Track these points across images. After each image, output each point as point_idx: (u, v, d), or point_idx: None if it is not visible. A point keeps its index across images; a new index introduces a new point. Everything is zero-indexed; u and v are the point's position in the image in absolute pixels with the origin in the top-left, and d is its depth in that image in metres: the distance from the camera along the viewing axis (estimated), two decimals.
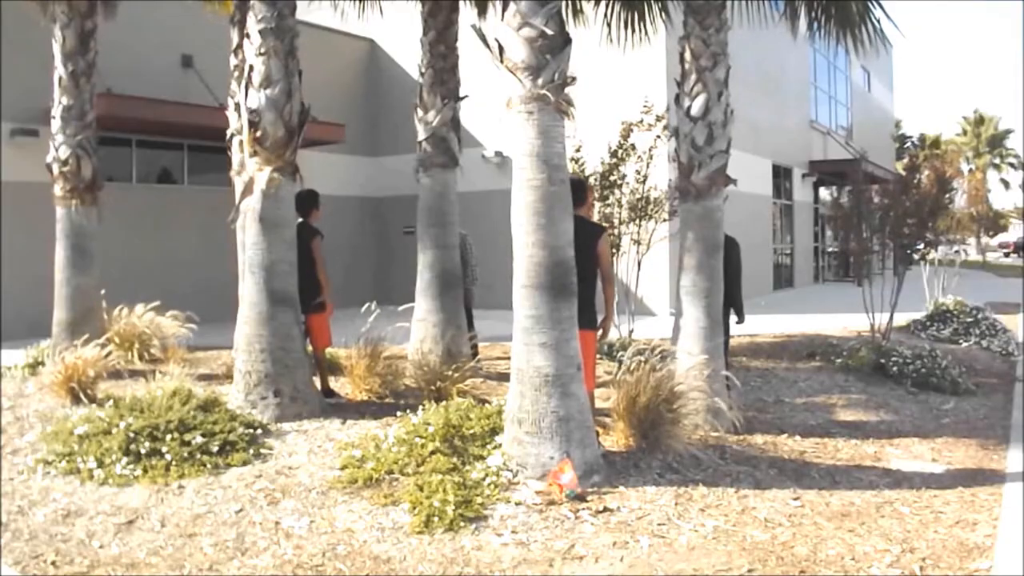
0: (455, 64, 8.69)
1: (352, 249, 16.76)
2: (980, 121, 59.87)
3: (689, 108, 6.70)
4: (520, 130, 5.23)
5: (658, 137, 9.52)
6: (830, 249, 25.47)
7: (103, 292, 9.05)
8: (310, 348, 7.48)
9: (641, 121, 9.50)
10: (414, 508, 4.68)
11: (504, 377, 6.84)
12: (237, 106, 7.60)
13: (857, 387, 8.27)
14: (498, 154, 15.92)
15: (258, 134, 6.80)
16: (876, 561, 4.17)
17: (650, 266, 10.42)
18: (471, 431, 5.72)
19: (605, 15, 8.54)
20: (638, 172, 9.55)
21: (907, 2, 33.42)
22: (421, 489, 4.85)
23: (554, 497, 4.86)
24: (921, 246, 10.25)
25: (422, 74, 8.66)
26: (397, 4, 9.57)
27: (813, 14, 7.52)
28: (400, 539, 4.42)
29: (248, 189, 6.94)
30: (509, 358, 5.56)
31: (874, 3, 7.34)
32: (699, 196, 6.67)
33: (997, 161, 59.52)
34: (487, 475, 5.09)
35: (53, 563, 4.22)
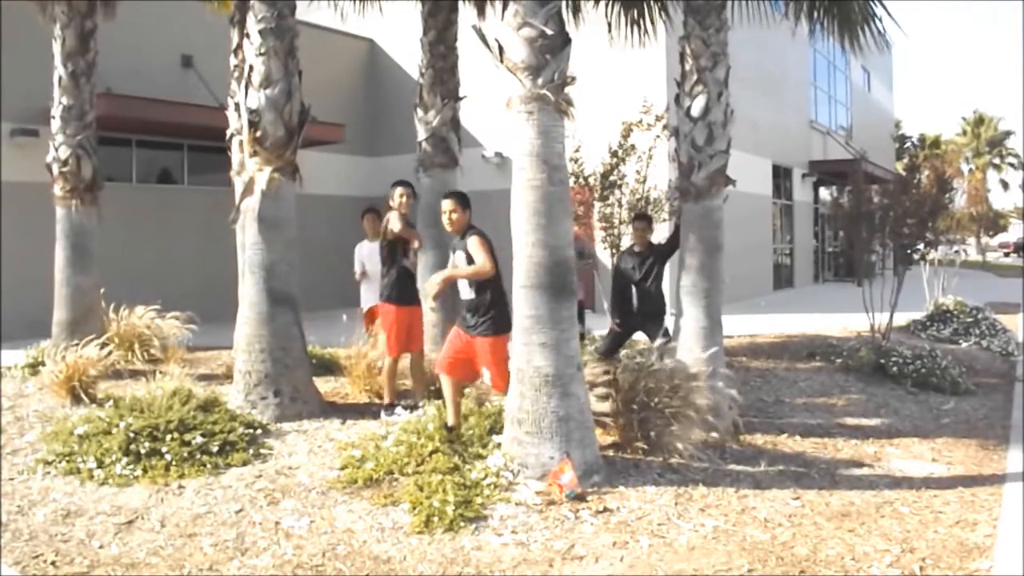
0: (455, 64, 8.69)
1: (352, 249, 16.73)
2: (980, 121, 59.82)
3: (689, 108, 6.70)
4: (520, 130, 5.23)
5: (657, 137, 9.53)
6: (830, 249, 25.49)
7: (104, 292, 9.06)
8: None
9: (640, 121, 9.50)
10: (414, 508, 4.69)
11: None
12: (237, 106, 7.61)
13: (857, 387, 8.27)
14: (498, 154, 15.92)
15: (258, 134, 6.81)
16: (876, 561, 4.17)
17: None
18: (471, 431, 5.73)
19: (605, 15, 8.54)
20: (638, 172, 9.55)
21: (907, 2, 33.24)
22: (421, 489, 4.85)
23: (554, 497, 4.87)
24: (921, 246, 10.24)
25: (422, 74, 8.66)
26: (397, 4, 9.56)
27: (814, 14, 7.51)
28: (400, 539, 4.42)
29: (248, 189, 6.94)
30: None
31: (875, 2, 7.34)
32: (699, 196, 6.66)
33: (997, 161, 59.49)
34: (487, 475, 5.09)
35: (53, 563, 4.22)
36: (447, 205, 5.78)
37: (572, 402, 5.20)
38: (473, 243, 5.57)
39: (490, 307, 5.63)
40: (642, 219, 7.99)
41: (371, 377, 7.43)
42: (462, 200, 5.81)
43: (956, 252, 17.55)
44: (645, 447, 5.65)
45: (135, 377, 8.05)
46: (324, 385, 7.61)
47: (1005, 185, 59.18)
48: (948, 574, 4.05)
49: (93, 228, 9.06)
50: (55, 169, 8.98)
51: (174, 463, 5.48)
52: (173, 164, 14.79)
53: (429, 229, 8.59)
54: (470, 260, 5.59)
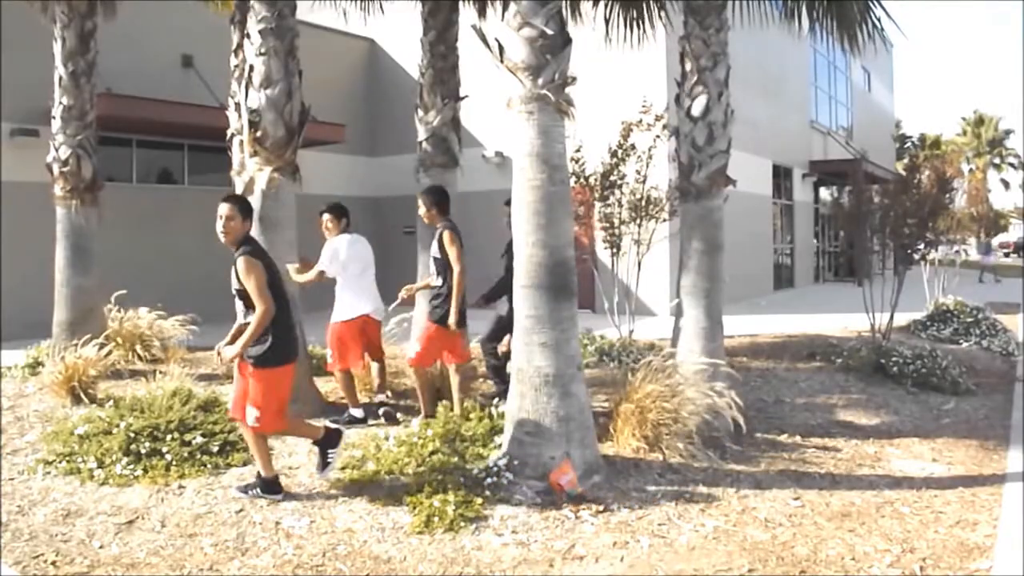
0: (455, 64, 8.68)
1: None
2: (980, 121, 59.78)
3: (689, 108, 6.70)
4: (520, 130, 5.23)
5: (657, 137, 9.51)
6: (830, 249, 25.49)
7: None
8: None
9: (640, 121, 9.48)
10: (414, 508, 4.69)
11: None
12: (237, 106, 7.60)
13: (857, 387, 8.27)
14: (498, 154, 15.92)
15: (258, 134, 6.81)
16: (876, 561, 4.17)
17: (650, 266, 10.40)
18: (471, 431, 5.73)
19: (605, 15, 8.54)
20: (638, 172, 9.54)
21: (907, 2, 33.22)
22: (421, 489, 4.85)
23: (554, 497, 4.87)
24: (921, 246, 10.23)
25: (422, 74, 8.65)
26: (397, 4, 9.56)
27: (813, 14, 7.51)
28: (400, 539, 4.42)
29: (248, 189, 6.95)
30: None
31: (874, 3, 7.34)
32: (699, 196, 6.66)
33: (997, 161, 59.45)
34: (487, 475, 5.09)
35: (53, 563, 4.22)
36: (224, 209, 4.90)
37: (572, 402, 5.20)
38: (242, 268, 4.81)
39: (267, 334, 4.83)
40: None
41: (371, 377, 7.43)
42: (243, 207, 5.00)
43: (956, 252, 17.55)
44: (645, 447, 5.65)
45: (135, 377, 8.05)
46: (324, 385, 7.61)
47: (1006, 185, 59.15)
48: (948, 574, 4.05)
49: (93, 228, 9.06)
50: (55, 169, 8.98)
51: (174, 463, 5.49)
52: (173, 164, 14.79)
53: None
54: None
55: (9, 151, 11.96)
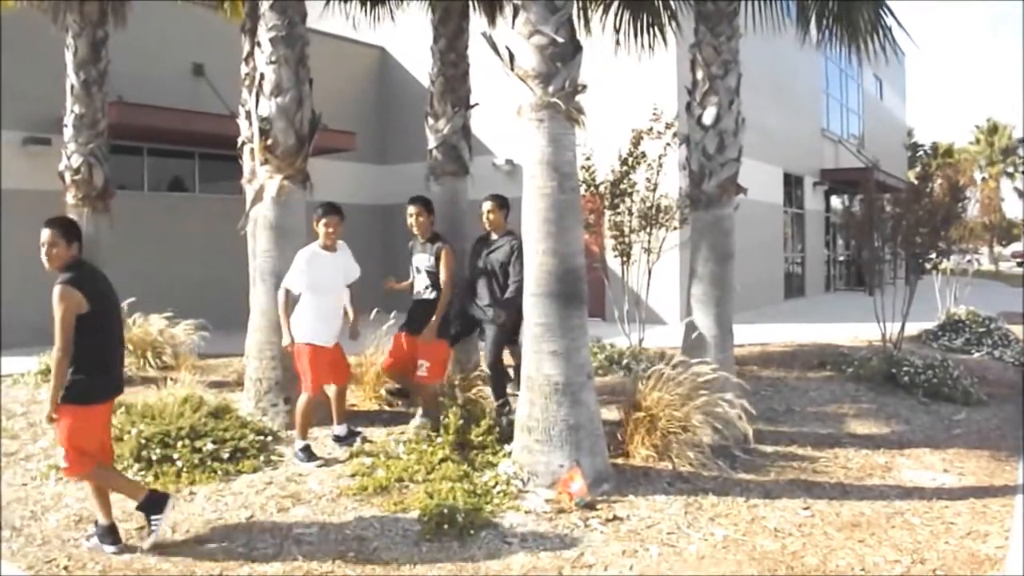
0: (466, 72, 8.70)
1: (362, 256, 16.77)
2: (993, 130, 59.48)
3: (700, 116, 6.70)
4: (531, 138, 5.25)
5: (668, 145, 9.50)
6: (841, 258, 25.39)
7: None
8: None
9: (651, 129, 9.47)
10: (424, 515, 4.69)
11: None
12: (248, 114, 7.66)
13: (868, 397, 8.23)
14: (509, 162, 15.93)
15: (269, 142, 6.85)
16: (886, 572, 4.15)
17: (661, 275, 10.38)
18: (481, 439, 5.73)
19: (615, 23, 8.55)
20: (648, 180, 9.53)
21: (920, 5, 33.23)
22: (431, 497, 4.86)
23: (564, 505, 4.87)
24: (933, 255, 10.18)
25: (432, 82, 8.67)
26: (408, 12, 9.60)
27: (824, 22, 7.50)
28: (410, 546, 4.43)
29: (259, 197, 6.98)
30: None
31: (885, 11, 7.32)
32: (710, 204, 6.66)
33: (1011, 170, 59.13)
34: (497, 483, 5.10)
35: (66, 568, 4.24)
36: (45, 236, 4.59)
37: (582, 410, 5.20)
38: (54, 298, 4.36)
39: (74, 368, 4.27)
40: (492, 199, 6.94)
41: (380, 384, 7.44)
42: (66, 231, 4.60)
43: (969, 261, 17.44)
44: (655, 456, 5.64)
45: (146, 384, 8.07)
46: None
47: (1019, 194, 58.82)
48: None
49: (104, 236, 9.11)
50: (67, 177, 9.04)
51: (185, 469, 5.51)
52: (184, 172, 14.86)
53: None
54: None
55: (22, 159, 12.04)
